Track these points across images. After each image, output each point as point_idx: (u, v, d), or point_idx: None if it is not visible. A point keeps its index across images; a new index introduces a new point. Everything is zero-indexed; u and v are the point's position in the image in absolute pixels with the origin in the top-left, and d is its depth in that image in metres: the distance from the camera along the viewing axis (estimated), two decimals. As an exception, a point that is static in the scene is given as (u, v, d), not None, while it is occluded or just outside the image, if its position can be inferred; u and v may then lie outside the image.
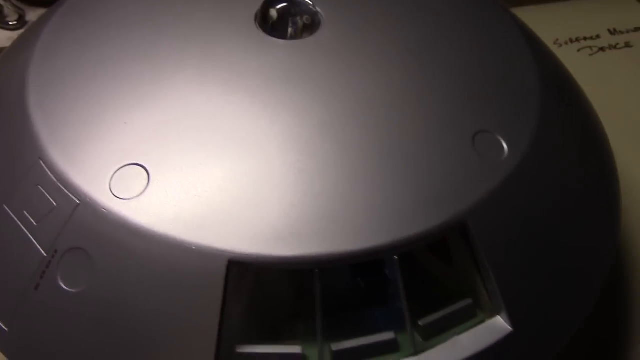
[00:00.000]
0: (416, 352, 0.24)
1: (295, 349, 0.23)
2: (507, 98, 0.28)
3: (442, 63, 0.28)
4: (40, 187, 0.25)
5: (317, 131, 0.25)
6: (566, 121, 0.29)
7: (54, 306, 0.24)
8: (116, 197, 0.24)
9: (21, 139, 0.26)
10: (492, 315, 0.25)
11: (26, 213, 0.25)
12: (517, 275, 0.25)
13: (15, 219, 0.25)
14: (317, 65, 0.27)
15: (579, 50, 0.47)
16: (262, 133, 0.25)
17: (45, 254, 0.24)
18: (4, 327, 0.24)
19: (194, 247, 0.23)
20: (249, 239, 0.23)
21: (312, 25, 0.29)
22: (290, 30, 0.30)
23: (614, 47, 0.47)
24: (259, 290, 0.24)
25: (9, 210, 0.25)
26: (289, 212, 0.23)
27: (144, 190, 0.24)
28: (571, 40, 0.48)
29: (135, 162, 0.24)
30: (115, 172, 0.24)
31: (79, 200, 0.24)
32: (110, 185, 0.24)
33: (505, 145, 0.26)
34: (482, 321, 0.25)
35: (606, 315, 0.33)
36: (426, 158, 0.25)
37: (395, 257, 0.23)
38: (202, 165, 0.24)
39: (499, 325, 0.25)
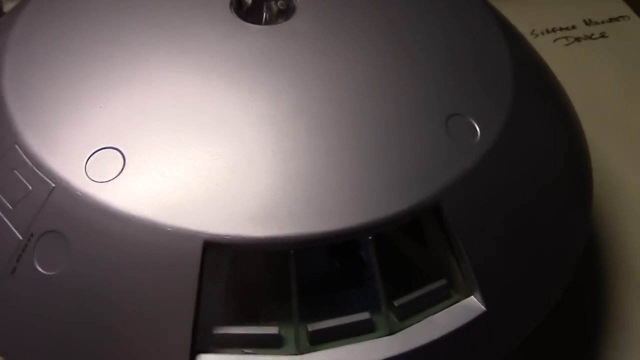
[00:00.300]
0: (391, 332, 0.24)
1: (272, 330, 0.24)
2: (480, 82, 0.28)
3: (416, 48, 0.28)
4: (15, 172, 0.25)
5: (292, 114, 0.25)
6: (538, 106, 0.30)
7: (31, 289, 0.24)
8: (92, 180, 0.24)
9: (-4, 123, 0.26)
10: (466, 295, 0.25)
11: (2, 197, 0.25)
12: (490, 256, 0.25)
13: (-9, 203, 0.25)
14: (291, 50, 0.27)
15: (554, 41, 0.48)
16: (237, 116, 0.25)
17: (21, 238, 0.24)
18: (-20, 311, 0.24)
19: (169, 229, 0.23)
20: (225, 220, 0.23)
21: (287, 11, 0.30)
22: (265, 15, 0.30)
23: (589, 37, 0.48)
24: (236, 272, 0.24)
25: (-16, 195, 0.25)
26: (264, 194, 0.23)
27: (119, 173, 0.24)
28: (547, 31, 0.48)
29: (110, 145, 0.25)
30: (91, 155, 0.24)
31: (54, 183, 0.24)
32: (85, 168, 0.24)
33: (478, 128, 0.26)
34: (457, 301, 0.25)
35: (577, 301, 0.34)
36: (400, 140, 0.25)
37: (370, 238, 0.24)
38: (178, 148, 0.24)
39: (472, 305, 0.25)
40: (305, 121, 0.25)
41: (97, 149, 0.24)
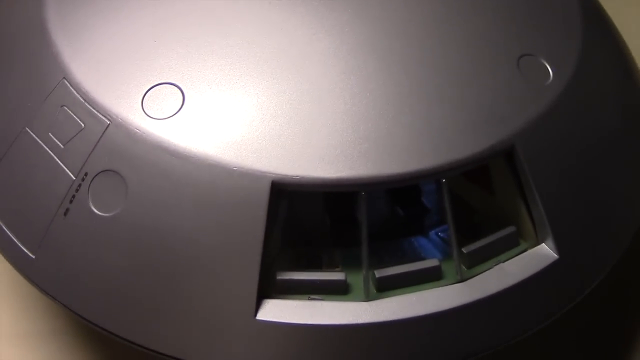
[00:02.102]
0: (461, 280, 0.23)
1: (338, 275, 0.23)
2: (550, 24, 0.27)
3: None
4: (66, 108, 0.23)
5: (359, 50, 0.24)
6: (607, 52, 0.28)
7: (85, 231, 0.22)
8: (149, 116, 0.23)
9: (42, 58, 0.25)
10: (535, 243, 0.24)
11: (51, 135, 0.23)
12: (563, 203, 0.24)
13: (40, 141, 0.24)
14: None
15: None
16: (301, 51, 0.24)
17: (74, 178, 0.23)
18: (30, 255, 0.23)
19: (235, 168, 0.22)
20: (293, 160, 0.22)
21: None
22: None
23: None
24: (303, 215, 0.23)
25: (32, 133, 0.24)
26: (333, 133, 0.22)
27: (179, 110, 0.23)
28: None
29: (167, 81, 0.23)
30: (147, 91, 0.23)
31: (109, 120, 0.23)
32: (142, 104, 0.23)
33: (550, 70, 0.25)
34: (525, 250, 0.24)
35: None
36: (471, 80, 0.24)
37: (444, 181, 0.23)
38: (239, 84, 0.23)
39: (544, 252, 0.24)
40: (373, 58, 0.24)
41: (153, 84, 0.23)
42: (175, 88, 0.23)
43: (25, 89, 0.25)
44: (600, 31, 0.29)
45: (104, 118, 0.23)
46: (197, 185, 0.22)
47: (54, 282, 0.23)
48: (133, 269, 0.22)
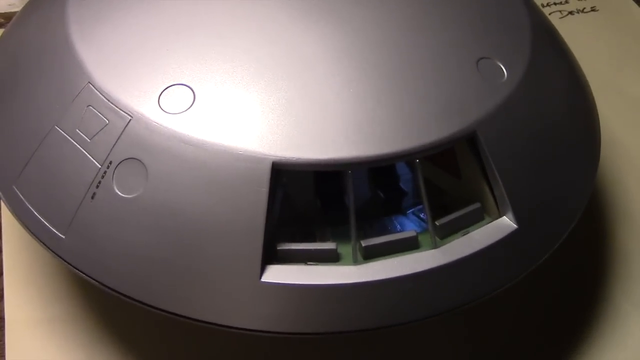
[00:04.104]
0: (435, 247, 0.27)
1: (330, 245, 0.26)
2: (504, 32, 0.31)
3: (448, 3, 0.31)
4: (91, 107, 0.27)
5: (342, 55, 0.28)
6: (554, 54, 0.33)
7: (110, 211, 0.26)
8: (166, 112, 0.26)
9: (68, 67, 0.28)
10: (498, 217, 0.28)
11: (79, 131, 0.27)
12: (520, 180, 0.28)
13: (68, 137, 0.27)
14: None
15: (549, 14, 0.51)
16: (295, 56, 0.28)
17: (100, 166, 0.26)
18: (61, 235, 0.27)
19: (240, 152, 0.25)
20: (289, 144, 0.26)
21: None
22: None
23: (581, 10, 0.51)
24: (296, 195, 0.27)
25: (61, 130, 0.27)
26: (323, 122, 0.26)
27: (191, 106, 0.26)
28: (542, 5, 0.52)
29: (180, 82, 0.27)
30: (162, 91, 0.27)
31: (130, 116, 0.26)
32: (159, 102, 0.27)
33: (504, 70, 0.30)
34: (490, 222, 0.28)
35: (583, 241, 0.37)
36: (440, 78, 0.28)
37: (417, 161, 0.27)
38: (243, 84, 0.27)
39: (506, 224, 0.28)
40: (354, 62, 0.28)
41: (167, 85, 0.27)
42: (187, 88, 0.27)
43: (53, 93, 0.28)
44: (547, 38, 0.33)
45: (125, 114, 0.26)
46: (208, 168, 0.25)
47: (82, 258, 0.26)
48: (154, 242, 0.26)
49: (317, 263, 0.26)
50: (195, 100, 0.27)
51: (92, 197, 0.26)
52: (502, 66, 0.30)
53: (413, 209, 0.29)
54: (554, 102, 0.31)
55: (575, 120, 0.32)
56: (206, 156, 0.26)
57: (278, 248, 0.26)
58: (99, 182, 0.26)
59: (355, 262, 0.26)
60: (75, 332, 0.32)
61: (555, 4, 0.52)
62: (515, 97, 0.29)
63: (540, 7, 0.50)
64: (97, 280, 0.26)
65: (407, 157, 0.26)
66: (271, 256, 0.26)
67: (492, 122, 0.28)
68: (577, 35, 0.49)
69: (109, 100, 0.27)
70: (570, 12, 0.51)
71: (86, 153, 0.27)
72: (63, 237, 0.27)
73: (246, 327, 0.26)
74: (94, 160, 0.27)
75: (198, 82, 0.27)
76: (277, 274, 0.25)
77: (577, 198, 0.30)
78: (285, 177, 0.26)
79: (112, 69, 0.28)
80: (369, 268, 0.26)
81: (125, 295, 0.26)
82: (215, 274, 0.25)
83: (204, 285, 0.25)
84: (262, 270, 0.25)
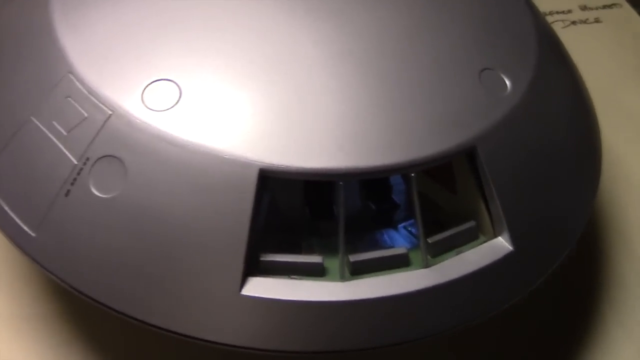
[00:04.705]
0: (426, 266, 0.26)
1: (316, 259, 0.25)
2: (509, 43, 0.30)
3: (452, 9, 0.30)
4: (70, 99, 0.25)
5: (340, 58, 0.27)
6: (559, 69, 0.32)
7: (85, 211, 0.24)
8: (149, 108, 0.25)
9: (48, 54, 0.27)
10: (493, 237, 0.27)
11: (55, 124, 0.25)
12: (518, 200, 0.27)
13: (44, 129, 0.26)
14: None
15: (552, 23, 0.50)
16: (288, 57, 0.26)
17: (76, 162, 0.25)
18: (31, 233, 0.25)
19: (226, 156, 0.24)
20: (279, 151, 0.24)
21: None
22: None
23: (584, 21, 0.50)
24: (284, 204, 0.26)
25: (37, 122, 0.26)
26: (316, 129, 0.25)
27: (176, 103, 0.25)
28: (545, 14, 0.50)
29: (166, 77, 0.25)
30: (147, 86, 0.25)
31: (111, 110, 0.25)
32: (142, 97, 0.25)
33: (508, 83, 0.28)
34: (484, 242, 0.27)
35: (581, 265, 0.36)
36: (439, 89, 0.27)
37: (413, 175, 0.25)
38: (233, 81, 0.25)
39: (501, 245, 0.27)
40: (353, 66, 0.26)
41: (152, 80, 0.25)
42: (173, 84, 0.25)
43: (31, 82, 0.27)
44: (553, 52, 0.32)
45: (106, 109, 0.25)
46: (191, 171, 0.24)
47: (53, 258, 0.25)
48: (129, 246, 0.24)
49: (302, 277, 0.25)
50: (182, 97, 0.25)
51: (66, 195, 0.25)
52: (505, 78, 0.28)
53: (405, 223, 0.28)
54: (558, 118, 0.30)
55: (577, 138, 0.30)
56: (190, 158, 0.24)
57: (261, 259, 0.25)
58: (74, 179, 0.25)
59: (342, 278, 0.25)
60: (49, 332, 0.31)
61: (558, 12, 0.51)
62: (517, 112, 0.28)
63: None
64: (67, 283, 0.25)
65: (401, 170, 0.25)
66: (254, 267, 0.24)
67: (493, 137, 0.27)
68: (579, 46, 0.48)
69: (89, 93, 0.25)
70: (573, 22, 0.50)
71: (62, 147, 0.25)
72: (34, 235, 0.25)
73: (224, 342, 0.24)
74: (69, 156, 0.25)
75: (185, 78, 0.25)
76: (258, 287, 0.24)
77: (576, 220, 0.29)
78: (272, 184, 0.25)
79: (94, 59, 0.26)
80: (356, 285, 0.25)
81: (96, 301, 0.24)
82: (193, 283, 0.24)
83: (180, 295, 0.24)
84: (243, 282, 0.24)
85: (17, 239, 0.25)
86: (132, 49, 0.26)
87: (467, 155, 0.27)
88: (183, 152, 0.24)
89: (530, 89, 0.29)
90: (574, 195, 0.29)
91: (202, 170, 0.24)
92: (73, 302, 0.31)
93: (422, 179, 0.29)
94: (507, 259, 0.26)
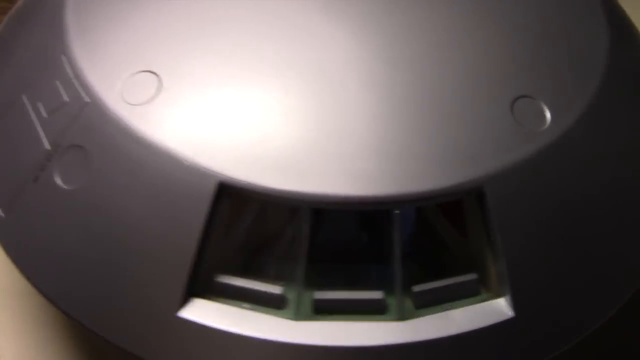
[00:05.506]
0: (401, 318, 0.22)
1: (275, 289, 0.22)
2: (564, 68, 0.25)
3: (500, 14, 0.26)
4: (57, 81, 0.25)
5: (343, 66, 0.23)
6: (629, 110, 0.26)
7: (46, 201, 0.23)
8: (124, 100, 0.23)
9: (51, 32, 0.26)
10: (497, 297, 0.23)
11: (40, 105, 0.25)
12: (529, 259, 0.22)
13: (30, 109, 0.25)
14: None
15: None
16: (282, 60, 0.24)
17: (49, 148, 0.24)
18: (1, 213, 0.25)
19: (186, 163, 0.22)
20: (245, 164, 0.22)
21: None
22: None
23: None
24: (250, 222, 0.23)
25: (25, 100, 0.25)
26: (293, 145, 0.22)
27: (152, 98, 0.23)
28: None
29: (150, 69, 0.24)
30: (130, 76, 0.24)
31: (89, 98, 0.23)
32: (121, 88, 0.23)
33: (548, 116, 0.23)
34: (484, 301, 0.23)
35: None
36: (454, 113, 0.23)
37: (396, 212, 0.22)
38: (217, 85, 0.23)
39: (500, 308, 0.22)
40: (356, 75, 0.23)
41: (137, 71, 0.24)
42: (155, 77, 0.23)
43: (32, 58, 0.26)
44: (626, 79, 0.26)
45: (85, 95, 0.24)
46: (150, 172, 0.22)
47: (13, 243, 0.24)
48: (80, 245, 0.23)
49: (256, 307, 0.22)
50: (161, 92, 0.23)
51: (35, 180, 0.24)
52: (546, 110, 0.24)
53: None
54: (607, 170, 0.24)
55: (631, 201, 0.25)
56: (151, 158, 0.22)
57: (215, 279, 0.22)
58: (44, 166, 0.24)
59: (298, 316, 0.22)
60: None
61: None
62: (550, 154, 0.23)
63: None
64: (23, 273, 0.24)
65: (378, 205, 0.21)
66: (203, 288, 0.22)
67: (507, 179, 0.22)
68: None
69: (74, 77, 0.24)
70: None
71: (40, 130, 0.24)
72: (3, 215, 0.24)
73: (159, 364, 0.22)
74: (44, 140, 0.24)
75: (170, 73, 0.24)
76: (199, 311, 0.22)
77: (603, 299, 0.24)
78: (234, 200, 0.22)
79: (90, 42, 0.25)
80: (314, 328, 0.22)
81: (46, 296, 0.23)
82: (135, 294, 0.22)
83: (121, 305, 0.22)
84: (184, 302, 0.22)
85: (-10, 217, 0.25)
86: (126, 37, 0.25)
87: (477, 197, 0.22)
88: (145, 150, 0.22)
89: (576, 127, 0.24)
90: (608, 266, 0.24)
91: (161, 173, 0.22)
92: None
93: (434, 212, 0.25)
94: (503, 326, 0.22)
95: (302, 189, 0.21)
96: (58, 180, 0.23)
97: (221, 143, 0.22)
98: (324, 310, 0.22)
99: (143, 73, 0.24)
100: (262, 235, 0.23)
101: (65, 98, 0.24)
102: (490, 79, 0.24)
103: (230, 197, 0.22)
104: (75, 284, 0.23)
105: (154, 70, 0.24)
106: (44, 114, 0.24)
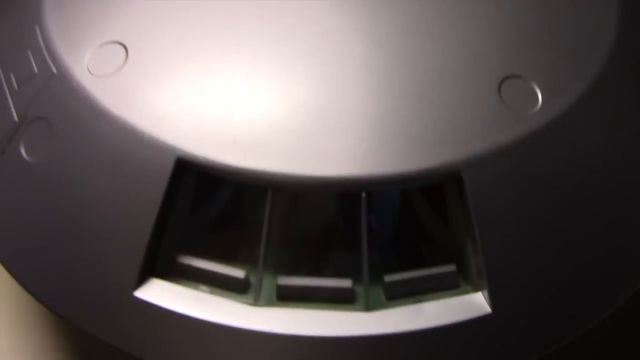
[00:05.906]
0: (368, 309, 0.21)
1: (238, 273, 0.21)
2: (566, 46, 0.23)
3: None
4: (29, 52, 0.24)
5: (316, 42, 0.22)
6: (633, 98, 0.24)
7: (11, 173, 0.23)
8: (89, 72, 0.22)
9: (28, 3, 0.25)
10: (476, 290, 0.21)
11: (12, 76, 0.24)
12: (510, 253, 0.20)
13: (3, 80, 0.24)
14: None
15: None
16: (254, 36, 0.22)
17: (17, 120, 0.23)
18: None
19: (146, 137, 0.21)
20: (204, 141, 0.20)
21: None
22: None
23: None
24: (211, 202, 0.22)
25: (0, 72, 0.25)
26: (257, 121, 0.21)
27: (117, 71, 0.22)
28: None
29: (119, 40, 0.23)
30: (98, 47, 0.23)
31: (56, 69, 0.23)
32: (87, 59, 0.23)
33: (540, 97, 0.22)
34: (462, 294, 0.21)
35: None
36: (437, 93, 0.21)
37: (363, 195, 0.20)
38: (184, 57, 0.22)
39: (476, 303, 0.21)
40: (330, 50, 0.22)
41: (104, 41, 0.23)
42: (123, 49, 0.23)
43: (9, 29, 0.26)
44: (634, 70, 0.24)
45: (52, 67, 0.23)
46: (110, 145, 0.21)
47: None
48: (42, 219, 0.22)
49: (215, 290, 0.21)
50: (126, 65, 0.22)
51: (2, 152, 0.23)
52: (537, 90, 0.22)
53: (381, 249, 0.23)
54: (605, 155, 0.22)
55: (628, 192, 0.23)
56: (111, 130, 0.21)
57: (176, 260, 0.21)
58: (11, 137, 0.23)
59: (258, 301, 0.21)
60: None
61: None
62: (539, 138, 0.21)
63: None
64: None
65: (344, 187, 0.20)
66: (164, 269, 0.21)
67: (488, 163, 0.20)
68: None
69: (44, 48, 0.23)
70: None
71: (10, 101, 0.24)
72: (-26, 187, 0.24)
73: (113, 345, 0.21)
74: (13, 111, 0.23)
75: (138, 45, 0.23)
76: (155, 292, 0.21)
77: (599, 296, 0.22)
78: (196, 178, 0.21)
79: (63, 14, 0.24)
80: (273, 314, 0.21)
81: (9, 270, 0.23)
82: (94, 272, 0.21)
83: (79, 281, 0.21)
84: (141, 282, 0.21)
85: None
86: (98, 9, 0.24)
87: (456, 183, 0.21)
88: (106, 123, 0.21)
89: (572, 109, 0.22)
90: (598, 265, 0.22)
91: (121, 146, 0.21)
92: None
93: (418, 199, 0.23)
94: (479, 322, 0.20)
95: (264, 168, 0.20)
96: (23, 153, 0.23)
97: (183, 118, 0.21)
98: (288, 297, 0.21)
99: (111, 44, 0.23)
100: (230, 217, 0.22)
101: (35, 69, 0.23)
102: (478, 57, 0.22)
103: (194, 175, 0.21)
104: (35, 259, 0.22)
105: (122, 42, 0.23)
106: (15, 85, 0.24)
